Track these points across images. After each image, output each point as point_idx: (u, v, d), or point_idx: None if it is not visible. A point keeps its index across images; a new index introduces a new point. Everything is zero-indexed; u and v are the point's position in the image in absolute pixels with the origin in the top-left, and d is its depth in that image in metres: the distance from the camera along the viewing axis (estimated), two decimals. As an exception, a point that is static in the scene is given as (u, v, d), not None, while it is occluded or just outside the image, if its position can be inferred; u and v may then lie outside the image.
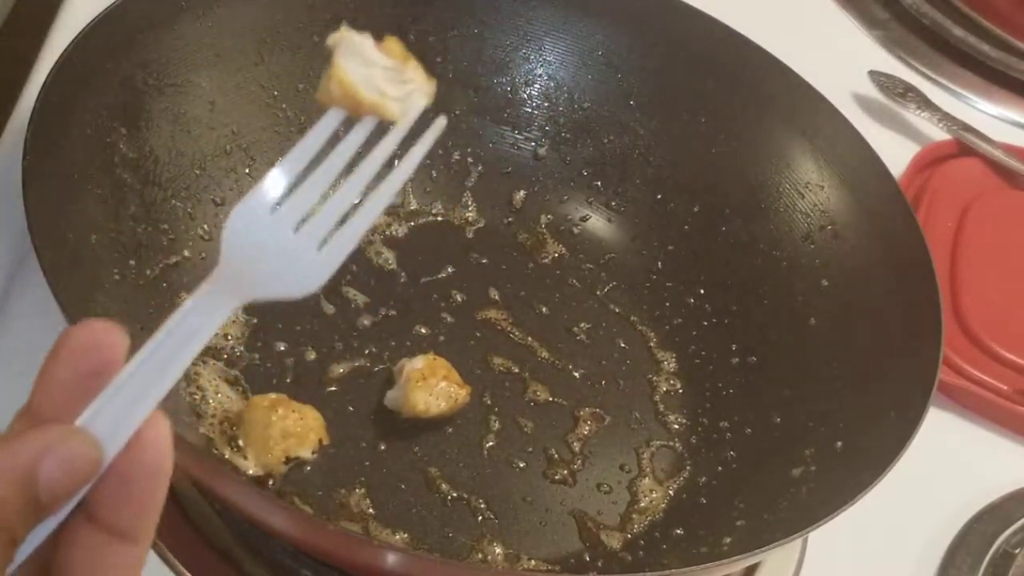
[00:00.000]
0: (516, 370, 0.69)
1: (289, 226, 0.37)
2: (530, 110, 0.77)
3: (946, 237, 0.83)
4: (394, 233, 0.73)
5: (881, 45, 1.03)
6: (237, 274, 0.36)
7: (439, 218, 0.75)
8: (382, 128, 0.41)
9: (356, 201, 0.39)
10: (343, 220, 0.38)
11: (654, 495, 0.64)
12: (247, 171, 0.70)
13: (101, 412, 0.33)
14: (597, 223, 0.77)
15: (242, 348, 0.65)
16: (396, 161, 0.40)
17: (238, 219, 0.37)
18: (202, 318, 0.35)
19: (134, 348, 0.34)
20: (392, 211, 0.74)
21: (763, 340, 0.70)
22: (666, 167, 0.76)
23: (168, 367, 0.35)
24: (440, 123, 0.41)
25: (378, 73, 0.41)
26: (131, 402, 0.33)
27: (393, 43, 0.43)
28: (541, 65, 0.77)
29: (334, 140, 0.39)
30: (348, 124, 0.40)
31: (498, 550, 0.60)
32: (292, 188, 0.38)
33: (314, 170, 0.38)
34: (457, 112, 0.76)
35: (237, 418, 0.60)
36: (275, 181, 0.38)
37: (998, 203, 0.88)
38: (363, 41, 0.42)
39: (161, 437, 0.33)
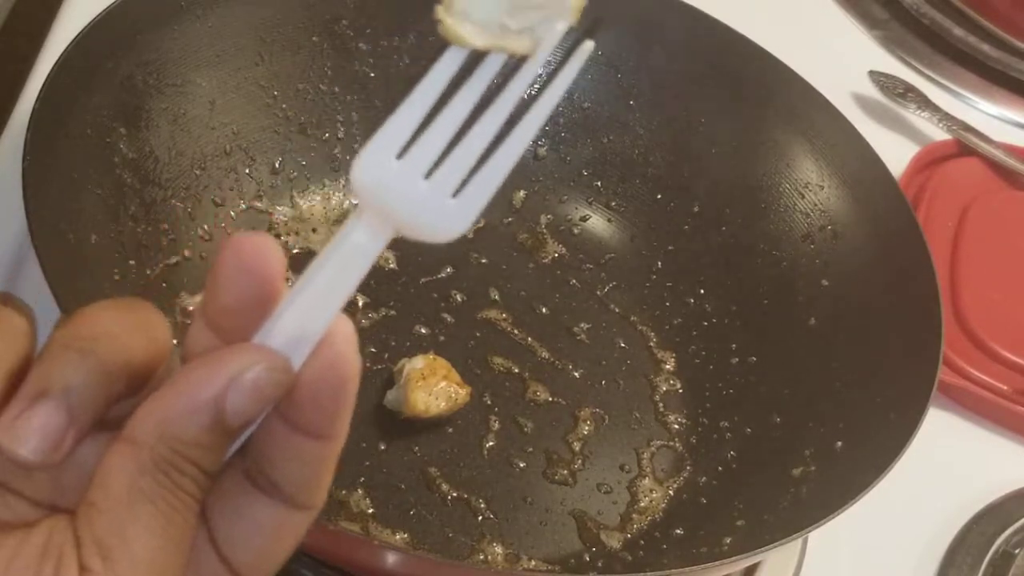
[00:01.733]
0: (516, 370, 0.69)
1: (419, 173, 0.34)
2: (530, 110, 0.77)
3: (946, 237, 0.83)
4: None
5: (881, 45, 1.03)
6: (379, 215, 0.34)
7: (439, 218, 0.75)
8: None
9: (489, 143, 0.35)
10: (479, 163, 0.35)
11: (654, 495, 0.64)
12: (247, 171, 0.70)
13: (283, 322, 0.32)
14: (597, 223, 0.77)
15: (242, 348, 0.64)
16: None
17: (363, 170, 0.34)
18: (363, 238, 0.33)
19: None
20: (392, 211, 0.74)
21: (763, 340, 0.70)
22: (666, 167, 0.76)
23: (339, 282, 0.33)
24: (587, 47, 0.36)
25: (501, 4, 0.36)
26: (308, 318, 0.32)
27: None
28: (541, 65, 0.76)
29: (462, 76, 0.36)
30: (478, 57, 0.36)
31: (498, 550, 0.60)
32: (418, 132, 0.35)
33: (440, 111, 0.35)
34: (457, 112, 0.76)
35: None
36: (398, 126, 0.34)
37: (998, 203, 0.88)
38: None
39: (348, 339, 0.32)
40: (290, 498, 0.32)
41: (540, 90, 0.36)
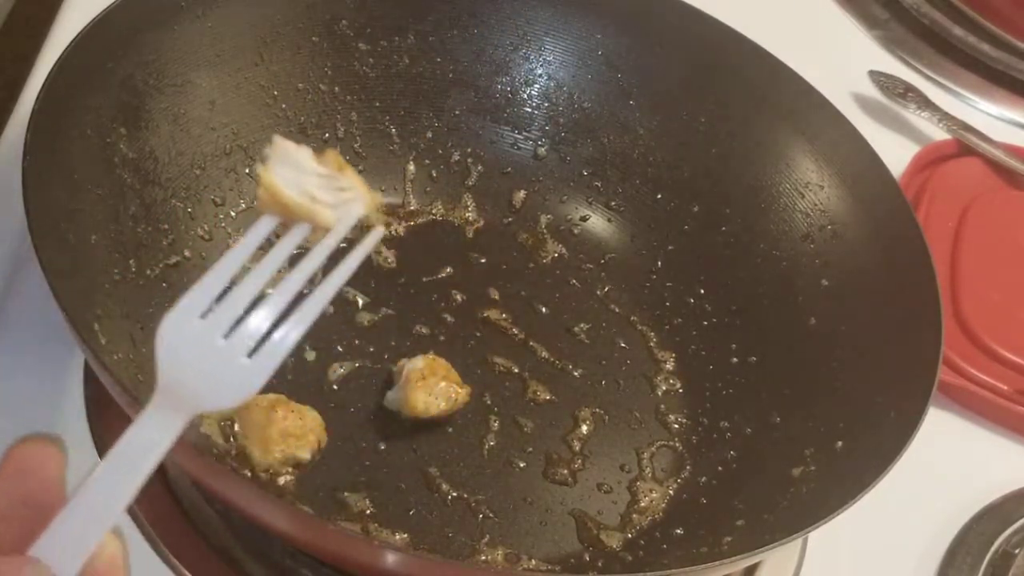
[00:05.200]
0: (516, 370, 0.69)
1: (218, 333, 0.38)
2: (530, 110, 0.77)
3: (946, 237, 0.83)
4: (394, 233, 0.73)
5: (881, 45, 1.03)
6: (175, 385, 0.37)
7: (439, 218, 0.75)
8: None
9: (285, 308, 0.39)
10: (274, 327, 0.39)
11: (654, 495, 0.64)
12: (247, 171, 0.70)
13: (54, 539, 0.33)
14: (597, 223, 0.77)
15: (242, 348, 0.64)
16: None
17: (167, 328, 0.37)
18: (153, 434, 0.36)
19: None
20: (392, 211, 0.74)
21: (763, 340, 0.70)
22: (666, 167, 0.76)
23: (120, 489, 0.34)
24: (378, 233, 0.42)
25: (311, 180, 0.42)
26: (84, 527, 0.33)
27: (332, 155, 0.43)
28: (541, 65, 0.77)
29: (267, 246, 0.40)
30: (283, 230, 0.42)
31: (498, 550, 0.60)
32: (222, 295, 0.38)
33: (244, 277, 0.39)
34: (457, 112, 0.76)
35: (237, 418, 0.60)
36: (205, 288, 0.38)
37: (998, 203, 0.88)
38: (299, 151, 0.43)
39: (114, 560, 0.34)
40: None
41: (334, 265, 0.41)
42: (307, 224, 0.41)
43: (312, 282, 0.41)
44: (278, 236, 0.42)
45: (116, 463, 0.35)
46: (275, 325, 0.39)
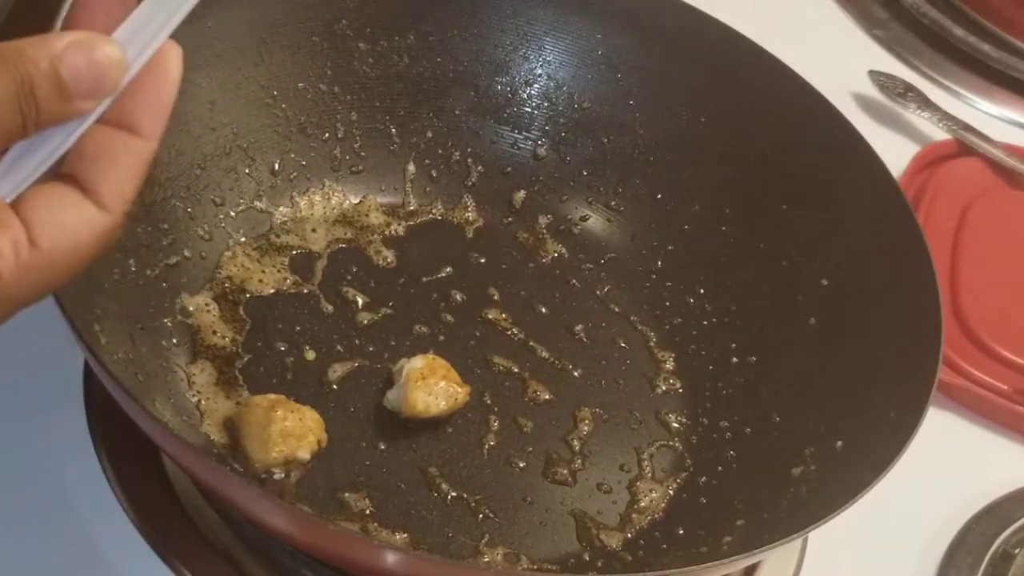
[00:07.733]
0: (516, 370, 0.69)
1: None
2: (530, 110, 0.77)
3: (946, 237, 0.83)
4: (394, 233, 0.73)
5: (881, 45, 1.03)
6: None
7: (439, 218, 0.75)
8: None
9: None
10: None
11: (654, 495, 0.64)
12: (247, 171, 0.70)
13: (126, 29, 0.38)
14: (597, 223, 0.77)
15: (241, 348, 0.65)
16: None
17: None
18: None
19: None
20: (392, 211, 0.74)
21: (763, 340, 0.70)
22: (666, 167, 0.76)
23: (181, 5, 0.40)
24: None
25: None
26: (153, 24, 0.40)
27: None
28: (541, 65, 0.77)
29: None
30: None
31: (498, 550, 0.60)
32: None
33: None
34: (457, 112, 0.76)
35: (236, 418, 0.60)
36: None
37: (998, 203, 0.88)
38: None
39: (173, 56, 0.40)
40: (99, 200, 0.38)
41: None
42: None
43: None
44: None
45: None
46: None
